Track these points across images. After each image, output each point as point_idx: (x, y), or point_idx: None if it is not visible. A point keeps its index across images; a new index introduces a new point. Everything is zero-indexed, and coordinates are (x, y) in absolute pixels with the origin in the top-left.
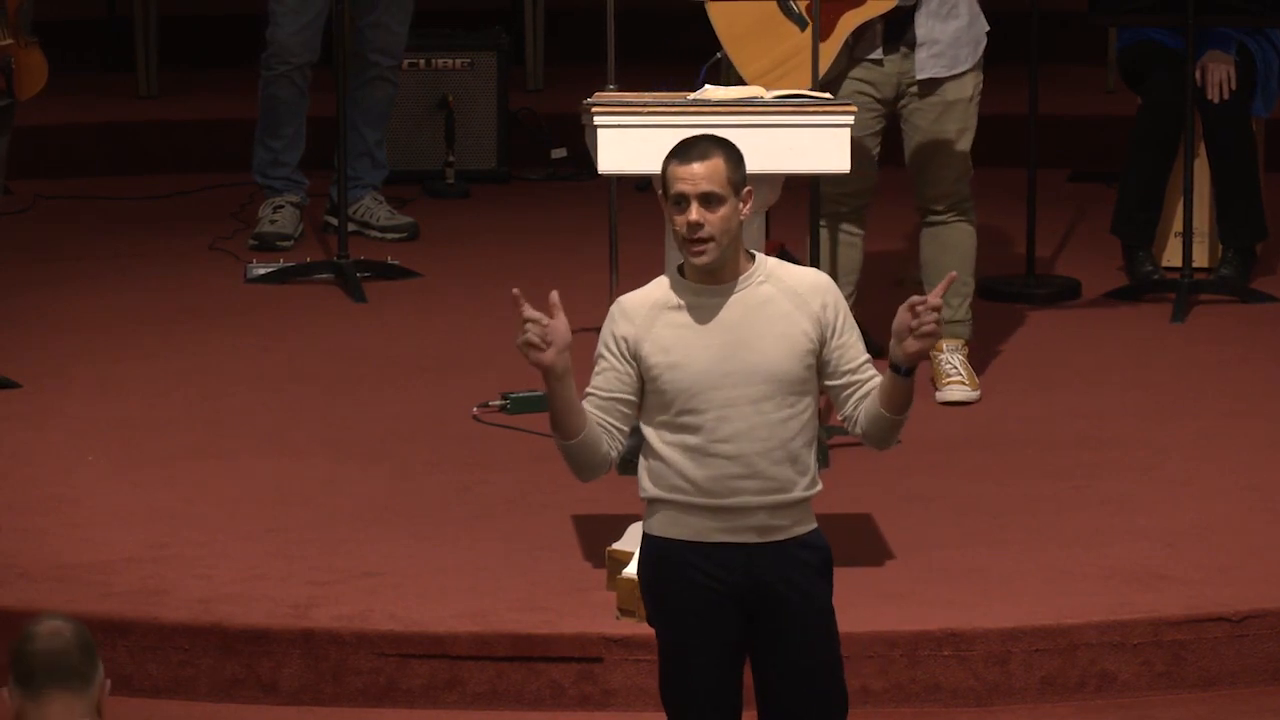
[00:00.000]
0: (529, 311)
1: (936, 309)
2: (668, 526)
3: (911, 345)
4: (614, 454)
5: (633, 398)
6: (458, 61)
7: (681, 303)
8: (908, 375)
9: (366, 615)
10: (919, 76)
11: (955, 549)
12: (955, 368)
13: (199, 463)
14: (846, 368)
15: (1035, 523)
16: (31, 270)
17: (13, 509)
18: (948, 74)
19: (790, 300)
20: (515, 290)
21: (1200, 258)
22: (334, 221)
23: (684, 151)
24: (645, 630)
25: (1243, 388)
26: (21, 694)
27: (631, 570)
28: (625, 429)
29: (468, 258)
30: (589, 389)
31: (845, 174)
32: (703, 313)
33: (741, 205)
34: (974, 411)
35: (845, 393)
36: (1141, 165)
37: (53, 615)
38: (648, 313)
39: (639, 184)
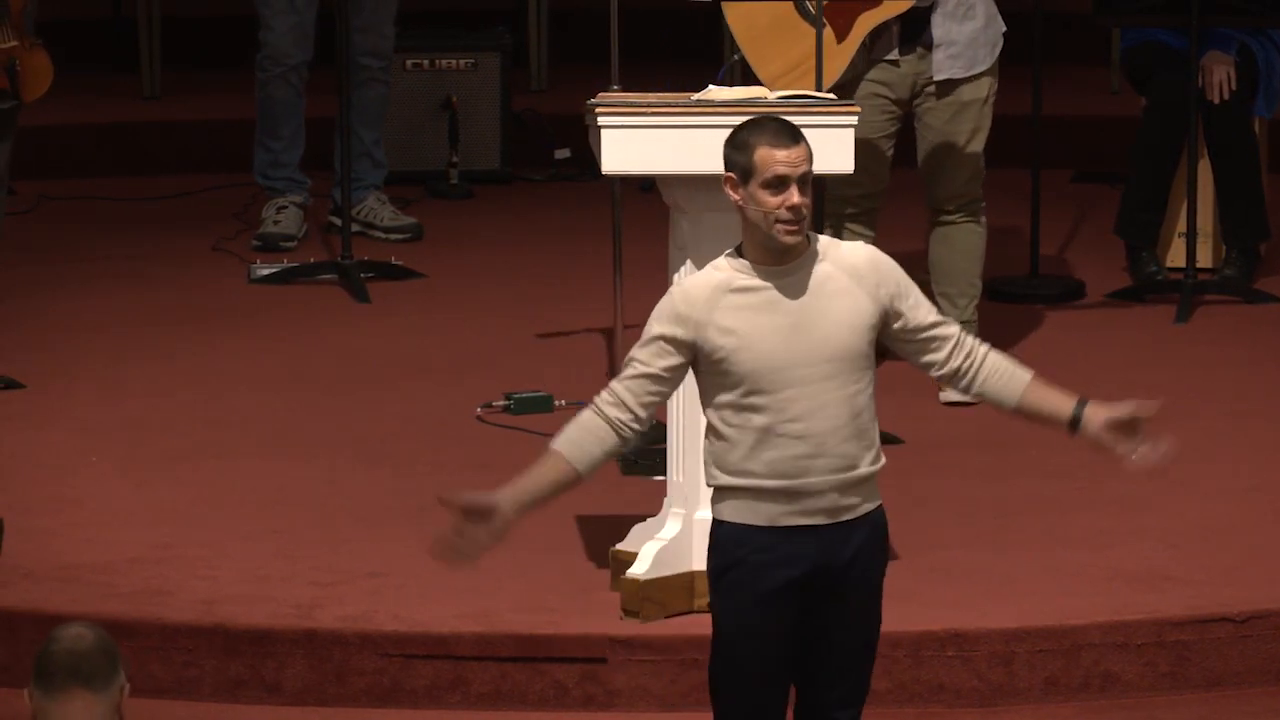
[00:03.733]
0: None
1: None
2: (740, 512)
3: (1110, 442)
4: (627, 436)
5: (667, 376)
6: (461, 62)
7: (744, 284)
8: (1071, 433)
9: (370, 616)
10: (936, 77)
11: (959, 549)
12: None
13: (202, 463)
14: (927, 321)
15: (1038, 523)
16: (35, 271)
17: (16, 509)
18: (965, 75)
19: (848, 276)
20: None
21: (1204, 258)
22: (338, 222)
23: (776, 134)
24: (649, 631)
25: (1246, 388)
26: (42, 693)
27: (635, 571)
28: (640, 409)
29: (471, 258)
30: (631, 356)
31: (854, 175)
32: (766, 294)
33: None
34: (977, 412)
35: (934, 344)
36: (1145, 166)
37: (78, 622)
38: (710, 295)
39: (643, 184)
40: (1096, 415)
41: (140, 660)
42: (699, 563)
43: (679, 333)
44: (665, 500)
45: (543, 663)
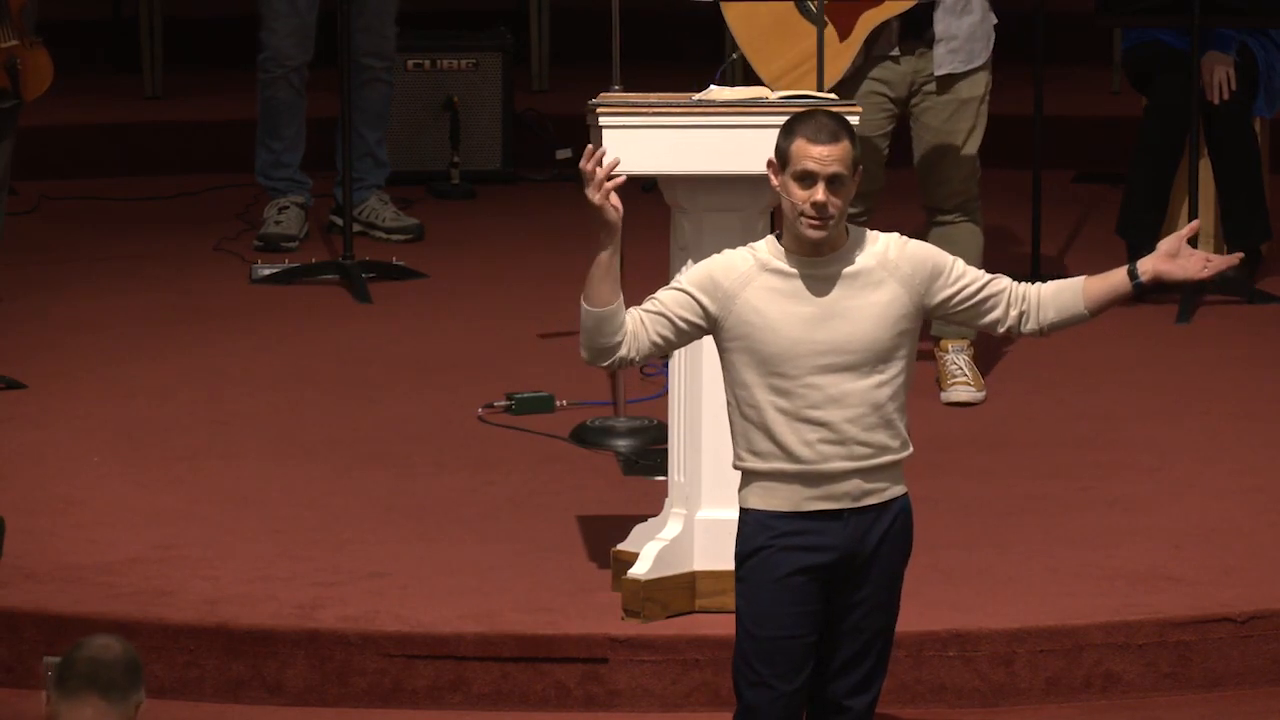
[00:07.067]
0: (600, 175)
1: (1232, 264)
2: (765, 498)
3: (1171, 269)
4: (625, 352)
5: (684, 328)
6: (463, 62)
7: (779, 268)
8: (1139, 289)
9: (372, 616)
10: (938, 73)
11: (960, 550)
12: (960, 368)
13: (204, 463)
14: (977, 285)
15: (1040, 523)
16: (36, 271)
17: (19, 510)
18: (965, 69)
19: (884, 268)
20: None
21: None
22: (339, 222)
23: (815, 130)
24: (651, 631)
25: (1248, 389)
26: (59, 695)
27: (636, 571)
28: (648, 345)
29: (473, 258)
30: (654, 296)
31: None
32: (799, 281)
33: (854, 182)
34: (979, 412)
35: (989, 302)
36: (1147, 167)
37: (110, 634)
38: (747, 271)
39: (644, 185)
40: (1147, 260)
41: (142, 661)
42: (700, 563)
43: (705, 300)
44: (666, 500)
45: (544, 663)
